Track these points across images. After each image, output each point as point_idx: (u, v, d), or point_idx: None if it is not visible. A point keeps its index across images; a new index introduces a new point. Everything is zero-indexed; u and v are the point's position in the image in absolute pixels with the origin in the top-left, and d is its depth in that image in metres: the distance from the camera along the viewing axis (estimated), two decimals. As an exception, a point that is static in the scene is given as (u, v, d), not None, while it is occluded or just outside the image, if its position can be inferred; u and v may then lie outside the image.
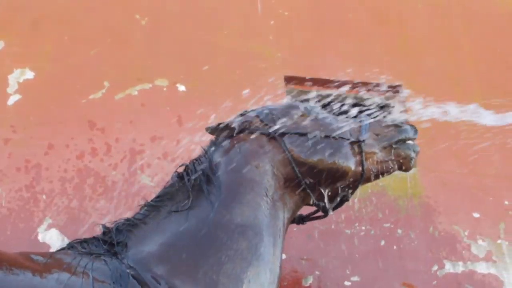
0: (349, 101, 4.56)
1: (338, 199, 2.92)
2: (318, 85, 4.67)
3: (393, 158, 2.93)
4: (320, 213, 2.98)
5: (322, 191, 2.83)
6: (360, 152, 2.84)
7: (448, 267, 4.13)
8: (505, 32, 5.44)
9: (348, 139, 2.84)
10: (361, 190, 4.17)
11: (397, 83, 4.81)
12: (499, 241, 4.31)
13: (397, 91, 4.80)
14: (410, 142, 2.99)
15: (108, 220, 3.24)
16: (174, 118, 4.23)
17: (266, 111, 2.94)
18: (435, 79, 4.90)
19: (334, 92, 4.65)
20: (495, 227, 4.37)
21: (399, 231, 4.18)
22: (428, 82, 4.87)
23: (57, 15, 4.48)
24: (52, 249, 3.53)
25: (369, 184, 4.20)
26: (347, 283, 3.93)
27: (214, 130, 2.92)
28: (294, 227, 3.25)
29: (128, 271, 2.38)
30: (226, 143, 2.88)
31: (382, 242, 4.12)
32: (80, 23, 4.48)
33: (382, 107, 4.77)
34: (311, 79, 4.64)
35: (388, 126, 3.01)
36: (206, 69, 4.49)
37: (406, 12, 5.33)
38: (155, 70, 4.40)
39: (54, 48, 4.33)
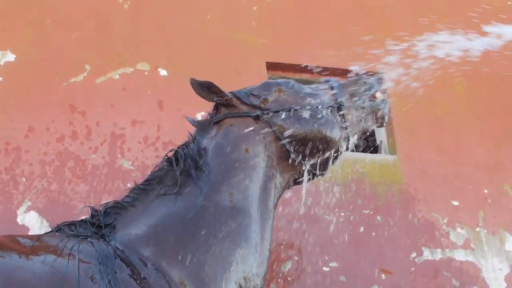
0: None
1: (330, 162, 2.95)
2: (300, 72, 4.68)
3: (370, 115, 3.01)
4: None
5: (315, 159, 2.86)
6: (342, 115, 2.91)
7: (427, 254, 4.18)
8: (488, 22, 5.46)
9: (329, 106, 2.90)
10: (341, 176, 4.21)
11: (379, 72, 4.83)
12: (477, 229, 4.37)
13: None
14: (379, 95, 3.06)
15: (88, 203, 3.23)
16: (155, 102, 4.22)
17: (245, 92, 2.96)
18: (417, 68, 4.92)
19: (316, 79, 4.66)
20: (474, 215, 4.43)
21: (378, 218, 4.21)
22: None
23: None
24: (31, 232, 3.53)
25: (349, 171, 4.24)
26: (325, 268, 3.96)
27: (198, 85, 2.91)
28: (274, 212, 3.26)
29: (114, 252, 2.37)
30: (213, 128, 2.90)
31: (361, 229, 4.15)
32: (62, 6, 4.45)
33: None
34: (293, 66, 4.65)
35: (356, 82, 3.09)
36: (188, 54, 4.48)
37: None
38: (137, 54, 4.39)
39: (35, 31, 4.28)
